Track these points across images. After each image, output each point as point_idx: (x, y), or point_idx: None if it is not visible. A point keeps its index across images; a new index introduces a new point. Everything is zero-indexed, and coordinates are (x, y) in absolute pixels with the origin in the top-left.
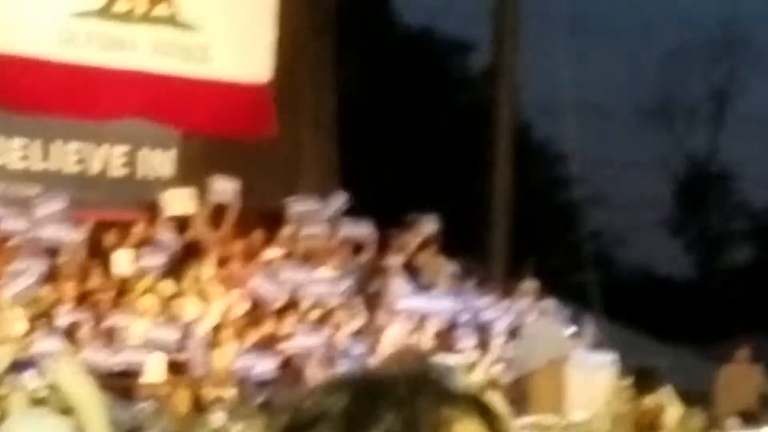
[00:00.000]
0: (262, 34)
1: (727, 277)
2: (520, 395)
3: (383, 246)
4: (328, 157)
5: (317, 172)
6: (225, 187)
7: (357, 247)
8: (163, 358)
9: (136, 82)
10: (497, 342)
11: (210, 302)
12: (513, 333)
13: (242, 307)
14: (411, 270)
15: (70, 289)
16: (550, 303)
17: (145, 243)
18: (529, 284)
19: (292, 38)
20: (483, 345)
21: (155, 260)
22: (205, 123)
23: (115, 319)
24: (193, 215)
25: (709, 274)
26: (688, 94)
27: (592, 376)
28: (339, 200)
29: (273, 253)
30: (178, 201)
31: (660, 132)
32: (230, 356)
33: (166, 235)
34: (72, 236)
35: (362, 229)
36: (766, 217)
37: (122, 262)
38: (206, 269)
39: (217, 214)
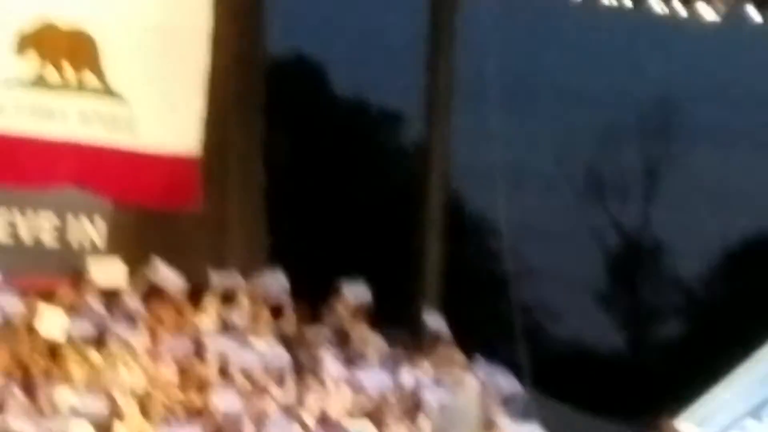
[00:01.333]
0: (190, 106)
1: (660, 352)
2: None
3: (313, 317)
4: (256, 230)
5: (245, 246)
6: (167, 275)
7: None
8: (90, 428)
9: (65, 151)
10: (427, 415)
11: (138, 372)
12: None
13: (171, 377)
14: (341, 341)
15: (3, 358)
16: (470, 378)
17: (72, 310)
18: (458, 356)
19: (220, 111)
20: (412, 419)
21: (84, 328)
22: (132, 194)
23: (45, 389)
24: (122, 287)
25: (642, 348)
26: (621, 168)
27: None
28: (271, 279)
29: (204, 323)
30: (107, 272)
31: (593, 205)
32: (157, 426)
33: (95, 305)
34: (11, 305)
35: (286, 298)
36: (699, 291)
37: (51, 323)
38: (135, 339)
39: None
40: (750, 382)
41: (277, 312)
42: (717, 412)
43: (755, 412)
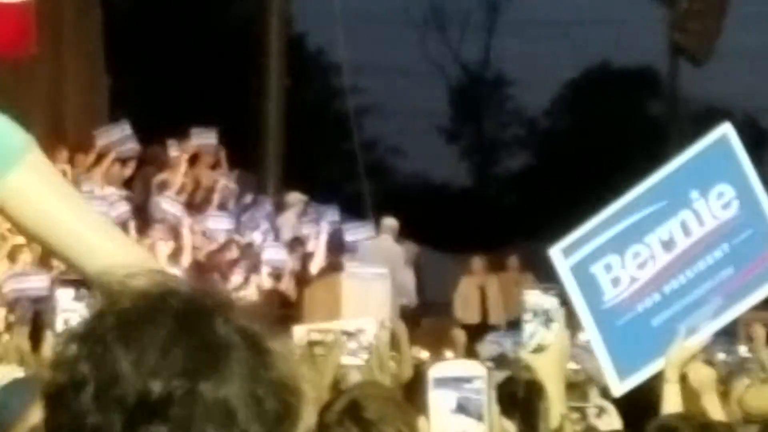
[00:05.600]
0: None
1: (504, 184)
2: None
3: (155, 162)
4: (94, 74)
5: (84, 90)
6: None
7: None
8: None
9: None
10: (267, 252)
11: None
12: (288, 245)
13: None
14: (187, 187)
15: None
16: (390, 221)
17: None
18: (297, 196)
19: None
20: (254, 262)
21: None
22: None
23: None
24: None
25: (486, 180)
26: (460, 1)
27: (368, 287)
28: (120, 130)
29: None
30: None
31: (433, 39)
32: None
33: None
34: None
35: (129, 145)
36: (540, 123)
37: None
38: None
39: None
40: (610, 213)
41: (124, 162)
42: (581, 242)
43: (614, 246)
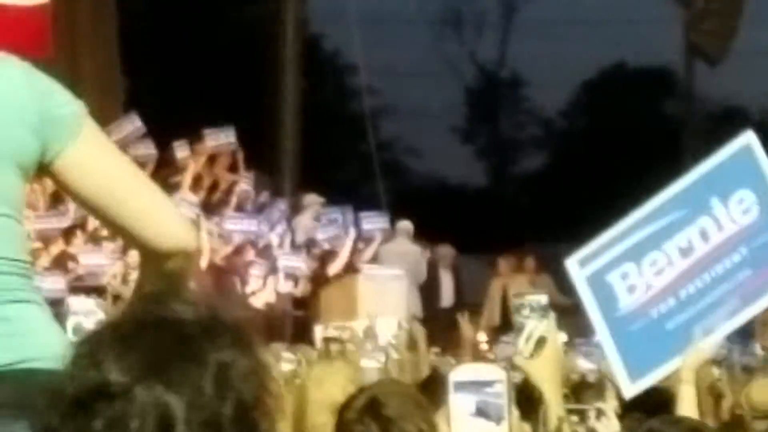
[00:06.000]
0: None
1: (519, 184)
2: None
3: (171, 164)
4: (110, 76)
5: (99, 93)
6: None
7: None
8: None
9: None
10: (283, 259)
11: None
12: (305, 247)
13: (30, 229)
14: (202, 186)
15: None
16: (405, 224)
17: None
18: (313, 198)
19: None
20: (271, 264)
21: None
22: None
23: None
24: None
25: (501, 181)
26: (475, 1)
27: (384, 289)
28: (130, 123)
29: None
30: None
31: (449, 39)
32: None
33: None
34: None
35: (144, 147)
36: (556, 123)
37: None
38: None
39: None
40: (629, 223)
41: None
42: (598, 253)
43: (632, 255)
